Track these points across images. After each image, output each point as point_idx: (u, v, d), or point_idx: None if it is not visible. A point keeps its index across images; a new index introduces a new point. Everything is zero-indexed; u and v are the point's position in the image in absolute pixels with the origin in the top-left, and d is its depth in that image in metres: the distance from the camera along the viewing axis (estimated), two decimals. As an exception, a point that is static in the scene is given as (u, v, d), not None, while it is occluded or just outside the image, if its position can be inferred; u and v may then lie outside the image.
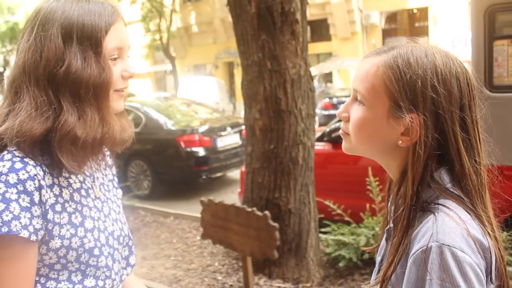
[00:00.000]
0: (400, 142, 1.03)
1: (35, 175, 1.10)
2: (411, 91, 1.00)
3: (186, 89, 20.98)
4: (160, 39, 25.54)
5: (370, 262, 4.21)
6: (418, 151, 1.00)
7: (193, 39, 28.98)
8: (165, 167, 8.27)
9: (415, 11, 23.01)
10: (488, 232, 1.00)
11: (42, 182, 1.12)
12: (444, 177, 1.03)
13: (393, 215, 1.05)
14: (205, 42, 27.90)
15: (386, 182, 1.22)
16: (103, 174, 1.38)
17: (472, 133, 1.03)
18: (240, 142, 8.73)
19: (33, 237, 1.09)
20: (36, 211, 1.10)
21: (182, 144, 8.09)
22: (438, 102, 0.99)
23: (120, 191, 1.47)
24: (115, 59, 1.19)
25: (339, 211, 4.46)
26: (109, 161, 1.45)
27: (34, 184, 1.10)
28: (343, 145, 1.15)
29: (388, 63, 1.03)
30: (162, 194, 8.29)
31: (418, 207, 1.01)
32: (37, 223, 1.10)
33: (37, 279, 1.17)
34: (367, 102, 1.05)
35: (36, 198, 1.10)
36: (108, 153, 1.43)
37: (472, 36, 3.66)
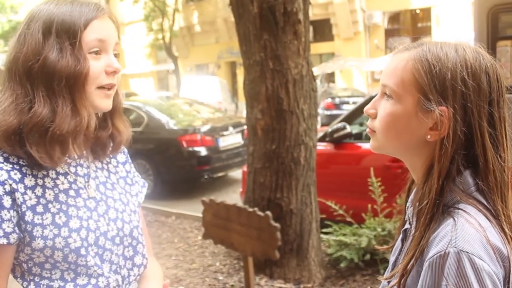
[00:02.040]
0: (429, 136, 1.03)
1: (6, 179, 1.12)
2: (440, 83, 1.00)
3: (189, 89, 21.01)
4: (163, 38, 25.57)
5: (372, 263, 4.20)
6: (446, 144, 0.99)
7: (196, 39, 29.00)
8: (167, 167, 8.27)
9: (418, 11, 22.98)
10: (508, 240, 0.98)
11: (17, 186, 1.13)
12: (468, 179, 1.02)
13: (417, 209, 1.04)
14: (208, 41, 27.91)
15: (404, 183, 1.21)
16: (110, 172, 1.37)
17: (499, 129, 1.03)
18: (242, 142, 8.72)
19: (3, 241, 1.12)
20: (6, 214, 1.12)
21: (184, 144, 8.09)
22: (467, 96, 0.99)
23: (142, 185, 1.45)
24: (97, 52, 1.19)
25: (340, 212, 4.44)
26: (123, 157, 1.43)
27: (4, 188, 1.12)
28: (371, 143, 1.14)
29: (417, 57, 1.03)
30: (163, 193, 8.28)
31: (442, 202, 1.00)
32: (8, 226, 1.12)
33: (31, 277, 1.19)
34: (396, 96, 1.05)
35: (7, 203, 1.12)
36: (124, 149, 1.43)
37: (475, 37, 3.64)
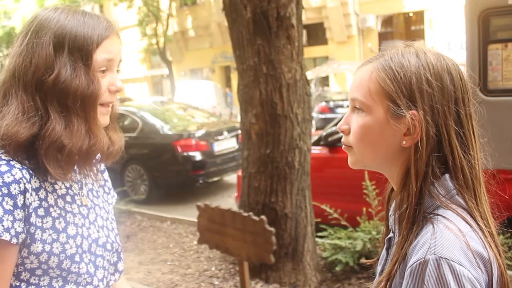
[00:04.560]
0: (404, 142, 1.03)
1: (21, 178, 1.12)
2: (407, 88, 1.01)
3: (183, 93, 21.02)
4: (157, 43, 25.56)
5: (367, 267, 4.21)
6: (420, 146, 1.00)
7: (190, 43, 29.01)
8: (162, 172, 8.26)
9: (411, 14, 23.08)
10: (490, 243, 0.99)
11: (28, 186, 1.13)
12: (448, 183, 1.02)
13: (398, 215, 1.05)
14: (202, 46, 27.93)
15: (385, 192, 1.22)
16: (93, 179, 1.38)
17: (466, 126, 1.04)
18: (237, 147, 8.72)
19: (14, 240, 1.11)
20: (18, 214, 1.11)
21: (179, 149, 8.08)
22: (433, 96, 1.01)
23: (112, 195, 1.47)
24: (103, 71, 1.20)
25: (335, 215, 4.46)
26: (101, 166, 1.45)
27: (19, 187, 1.11)
28: (349, 159, 1.13)
29: (380, 67, 1.05)
30: (159, 198, 8.28)
31: (422, 206, 1.01)
32: (19, 226, 1.12)
33: (17, 283, 1.17)
34: (366, 107, 1.06)
35: (20, 202, 1.11)
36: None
37: (467, 40, 3.66)
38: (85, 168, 1.25)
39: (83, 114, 1.16)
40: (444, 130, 1.01)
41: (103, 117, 1.23)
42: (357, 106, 1.08)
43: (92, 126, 1.18)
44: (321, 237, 4.60)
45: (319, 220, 4.57)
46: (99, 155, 1.34)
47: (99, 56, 1.17)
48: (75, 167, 1.24)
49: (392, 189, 1.18)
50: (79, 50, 1.15)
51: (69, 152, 1.14)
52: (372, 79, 1.05)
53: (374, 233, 4.21)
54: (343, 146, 1.14)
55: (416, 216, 1.00)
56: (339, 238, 4.36)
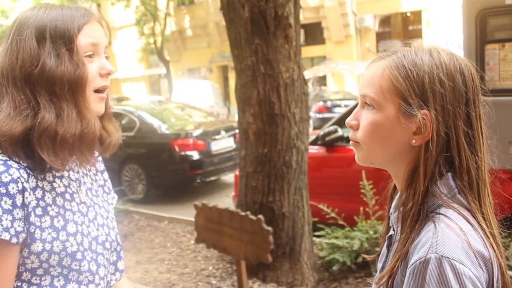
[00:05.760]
0: (413, 141, 1.03)
1: (18, 177, 1.12)
2: (419, 87, 1.01)
3: (180, 93, 21.00)
4: (154, 42, 25.55)
5: (364, 266, 4.22)
6: (430, 147, 1.00)
7: (188, 43, 28.98)
8: (159, 171, 8.25)
9: (408, 14, 23.09)
10: (491, 242, 0.99)
11: (26, 185, 1.13)
12: (450, 182, 1.02)
13: (402, 212, 1.05)
14: (200, 45, 27.90)
15: (386, 190, 1.21)
16: (92, 179, 1.38)
17: (475, 127, 1.04)
18: (234, 146, 8.72)
19: (14, 240, 1.11)
20: (17, 213, 1.11)
21: (176, 148, 8.08)
22: (445, 96, 1.00)
23: (113, 196, 1.47)
24: (90, 56, 1.21)
25: (333, 215, 4.46)
26: (101, 166, 1.45)
27: (17, 186, 1.11)
28: (356, 156, 1.13)
29: (393, 64, 1.04)
30: (156, 198, 8.27)
31: (427, 205, 1.01)
32: (19, 225, 1.11)
33: (19, 284, 1.17)
34: (377, 104, 1.05)
35: (19, 201, 1.12)
36: (99, 158, 1.43)
37: (464, 40, 3.68)
38: (83, 157, 1.24)
39: (72, 99, 1.17)
40: (453, 130, 1.01)
41: (98, 105, 1.24)
42: (367, 102, 1.07)
43: (82, 109, 1.18)
44: (318, 236, 4.61)
45: (316, 219, 4.58)
46: (97, 153, 1.34)
47: (82, 40, 1.19)
48: (73, 159, 1.24)
49: (395, 186, 1.18)
50: (61, 37, 1.17)
51: (62, 139, 1.15)
52: (384, 76, 1.05)
53: (371, 232, 4.21)
54: (350, 142, 1.13)
55: (420, 214, 1.01)
56: (336, 238, 4.36)
